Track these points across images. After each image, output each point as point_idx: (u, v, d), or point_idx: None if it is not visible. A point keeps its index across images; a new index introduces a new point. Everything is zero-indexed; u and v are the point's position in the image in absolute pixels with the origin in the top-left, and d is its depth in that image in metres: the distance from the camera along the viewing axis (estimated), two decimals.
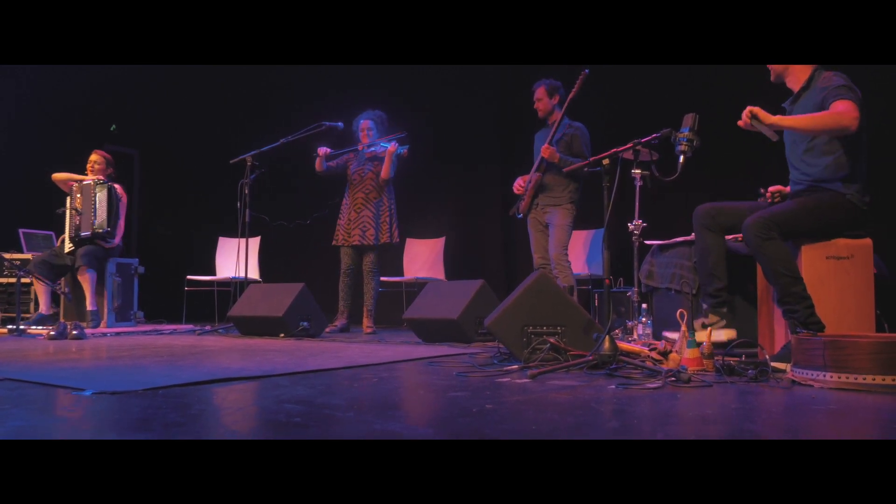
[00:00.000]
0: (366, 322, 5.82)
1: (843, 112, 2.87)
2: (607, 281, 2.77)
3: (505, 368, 2.85)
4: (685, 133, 2.87)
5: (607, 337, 2.68)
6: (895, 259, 3.52)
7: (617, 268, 5.93)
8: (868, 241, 3.08)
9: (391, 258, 7.15)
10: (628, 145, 2.91)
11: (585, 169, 3.00)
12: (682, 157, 2.88)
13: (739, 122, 2.98)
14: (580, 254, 6.27)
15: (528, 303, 3.07)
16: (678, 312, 2.96)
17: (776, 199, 3.31)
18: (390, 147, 5.69)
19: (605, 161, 2.77)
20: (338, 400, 2.09)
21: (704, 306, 3.25)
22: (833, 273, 3.05)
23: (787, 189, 3.30)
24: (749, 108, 2.92)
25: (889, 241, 3.13)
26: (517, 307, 3.07)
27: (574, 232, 5.25)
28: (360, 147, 5.87)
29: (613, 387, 2.36)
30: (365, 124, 5.91)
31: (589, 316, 3.06)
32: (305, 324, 5.05)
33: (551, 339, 2.96)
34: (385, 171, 5.75)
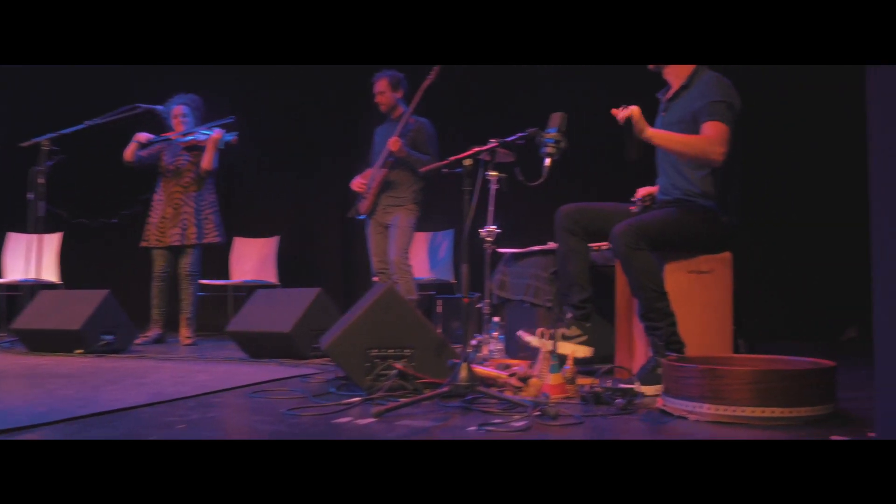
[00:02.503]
0: (184, 332, 5.14)
1: (710, 141, 2.72)
2: (466, 300, 2.42)
3: (344, 402, 2.42)
4: (552, 134, 2.58)
5: (464, 365, 2.32)
6: (749, 273, 3.45)
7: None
8: (727, 255, 2.96)
9: (215, 259, 6.46)
10: (491, 144, 2.59)
11: (444, 170, 2.64)
12: (547, 160, 2.59)
13: (615, 111, 2.73)
14: (423, 257, 5.94)
15: (372, 321, 2.65)
16: (538, 332, 2.67)
17: (647, 203, 3.09)
18: (214, 134, 5.04)
19: (468, 161, 2.41)
20: None
21: (568, 315, 2.99)
22: (695, 288, 2.90)
23: (656, 189, 3.10)
24: (634, 108, 2.70)
25: (745, 255, 3.03)
26: (359, 326, 2.65)
27: (416, 234, 4.91)
28: (172, 136, 5.17)
29: (474, 428, 2.01)
30: (178, 110, 5.20)
31: (441, 336, 2.70)
32: (109, 337, 4.34)
33: (398, 365, 2.57)
34: (207, 161, 5.07)
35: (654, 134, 2.73)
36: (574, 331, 2.93)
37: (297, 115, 6.59)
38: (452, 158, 2.47)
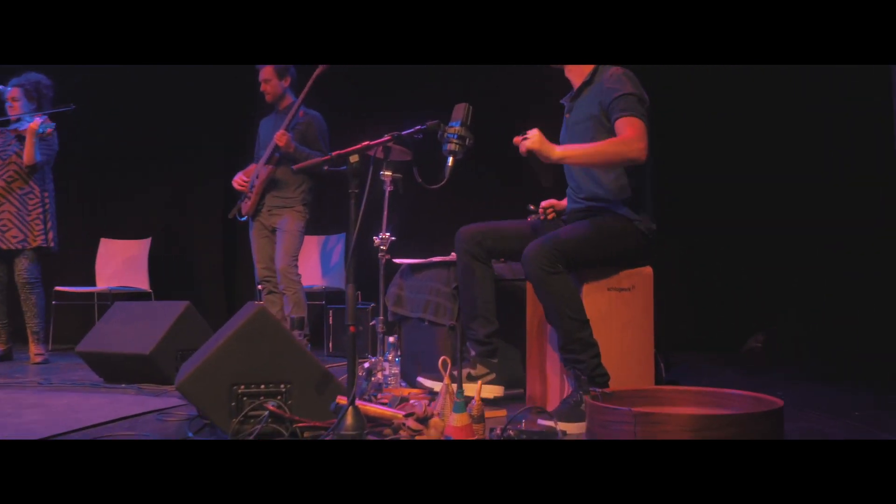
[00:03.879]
0: (33, 349, 4.45)
1: (629, 140, 2.40)
2: (352, 329, 1.98)
3: None
4: (455, 128, 2.21)
5: (350, 409, 1.89)
6: (672, 288, 3.17)
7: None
8: (649, 270, 2.66)
9: (79, 263, 5.75)
10: (384, 138, 2.17)
11: (325, 167, 2.20)
12: (451, 159, 2.23)
13: (517, 140, 2.39)
14: (314, 263, 5.45)
15: (238, 351, 2.17)
16: (440, 361, 2.28)
17: (549, 215, 2.77)
18: (31, 123, 4.36)
19: (354, 158, 1.98)
20: None
21: (472, 353, 2.63)
22: (615, 306, 2.58)
23: (564, 202, 2.78)
24: (534, 136, 2.35)
25: (668, 269, 2.75)
26: (222, 358, 2.16)
27: (306, 237, 4.45)
28: (13, 119, 4.47)
29: None
30: (12, 93, 4.46)
31: (324, 368, 2.25)
32: None
33: (271, 406, 2.11)
34: (27, 155, 4.34)
35: (564, 154, 2.41)
36: (480, 370, 2.59)
37: (172, 103, 5.91)
38: (335, 154, 2.03)
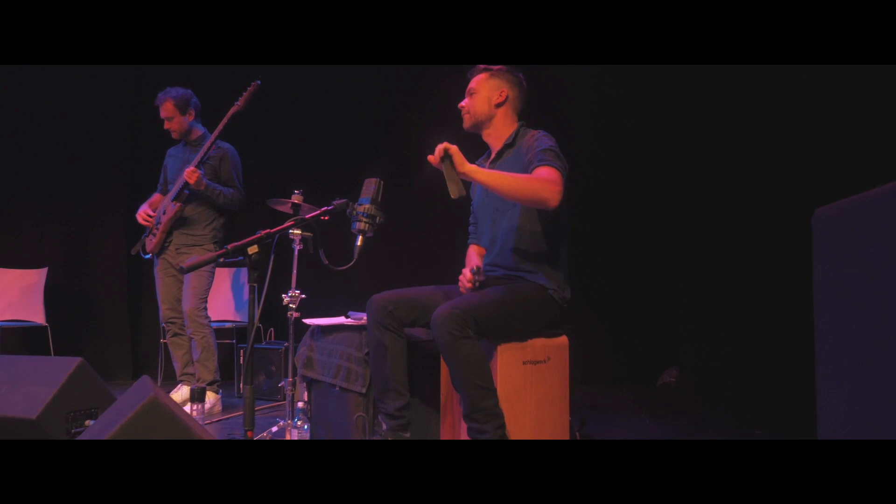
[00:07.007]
0: None
1: (545, 180, 2.37)
2: (249, 433, 1.84)
3: None
4: (365, 206, 2.11)
5: None
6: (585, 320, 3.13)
7: (267, 320, 5.04)
8: (564, 340, 2.63)
9: None
10: (286, 224, 2.05)
11: (222, 259, 2.05)
12: (360, 238, 2.14)
13: (430, 158, 2.33)
14: (226, 297, 5.22)
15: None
16: (356, 417, 2.18)
17: (481, 278, 2.66)
18: None
19: (252, 249, 1.84)
20: None
21: (384, 427, 2.54)
22: (530, 381, 2.53)
23: (476, 263, 2.69)
24: (445, 144, 2.30)
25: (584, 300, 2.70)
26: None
27: (217, 269, 4.26)
28: None
29: None
30: None
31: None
32: None
33: None
34: None
35: (475, 169, 2.34)
36: None
37: (73, 120, 5.56)
38: (231, 246, 1.88)
